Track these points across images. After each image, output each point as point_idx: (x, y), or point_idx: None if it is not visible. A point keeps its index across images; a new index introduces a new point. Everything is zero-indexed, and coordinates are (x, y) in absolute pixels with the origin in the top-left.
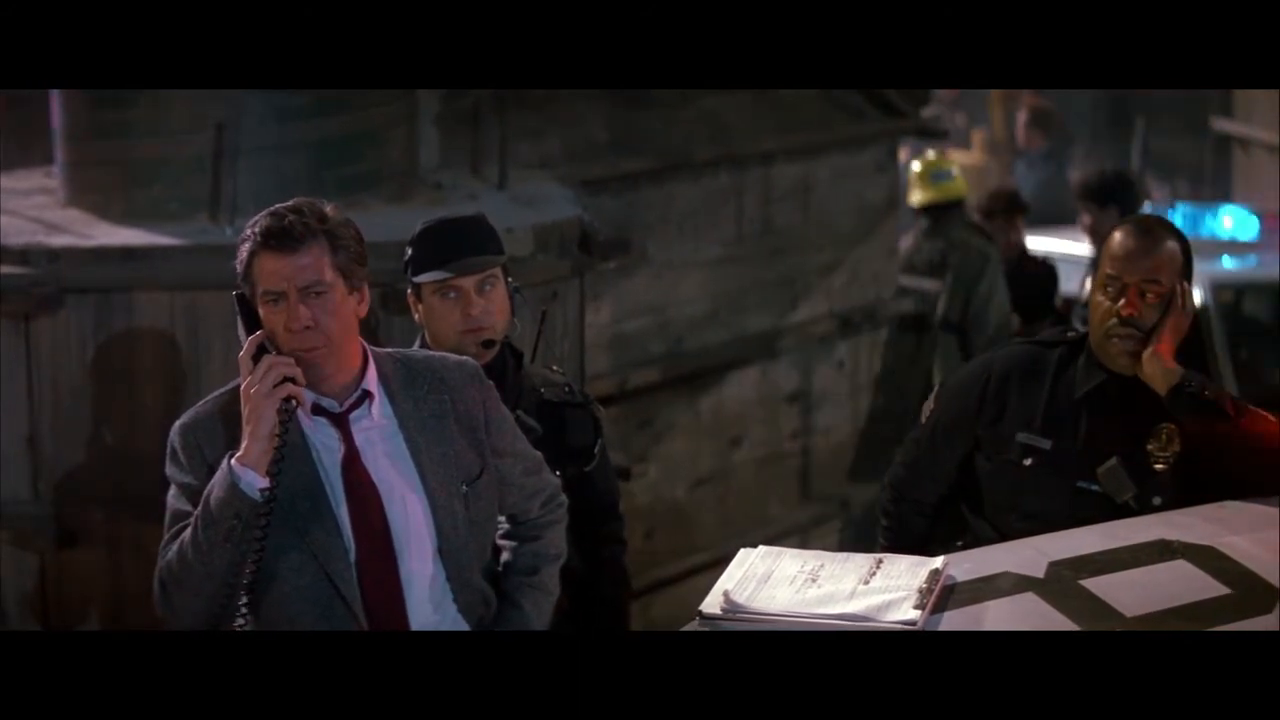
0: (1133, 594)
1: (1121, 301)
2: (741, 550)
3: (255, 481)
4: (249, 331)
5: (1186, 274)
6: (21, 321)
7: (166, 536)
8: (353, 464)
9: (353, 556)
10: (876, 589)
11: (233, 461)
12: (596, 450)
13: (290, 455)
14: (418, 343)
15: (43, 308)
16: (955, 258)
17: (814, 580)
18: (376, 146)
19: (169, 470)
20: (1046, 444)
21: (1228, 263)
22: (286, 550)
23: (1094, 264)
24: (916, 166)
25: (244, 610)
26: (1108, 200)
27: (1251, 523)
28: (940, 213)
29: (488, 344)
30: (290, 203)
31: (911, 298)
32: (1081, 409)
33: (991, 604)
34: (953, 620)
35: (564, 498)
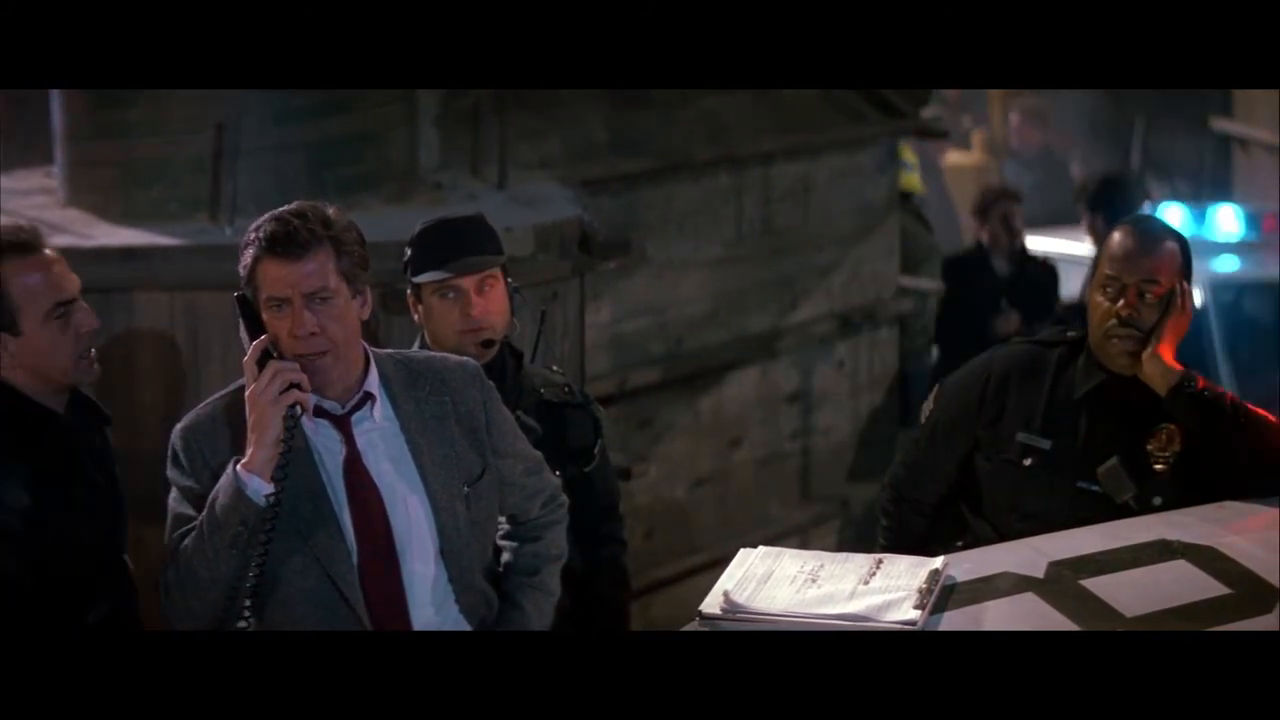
0: (1133, 594)
1: (1120, 302)
2: (741, 550)
3: (261, 488)
4: (251, 335)
5: (1186, 274)
6: None
7: (170, 540)
8: (355, 466)
9: (355, 559)
10: (876, 589)
11: (238, 468)
12: (596, 450)
13: (293, 458)
14: (417, 343)
15: None
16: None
17: (814, 580)
18: (376, 147)
19: (170, 473)
20: (1046, 444)
21: (1224, 263)
22: (289, 553)
23: (1094, 265)
24: None
25: (248, 614)
26: (1095, 206)
27: (1251, 523)
28: None
29: (487, 344)
30: (294, 206)
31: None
32: (1081, 409)
33: (991, 604)
34: (952, 620)
35: (564, 498)
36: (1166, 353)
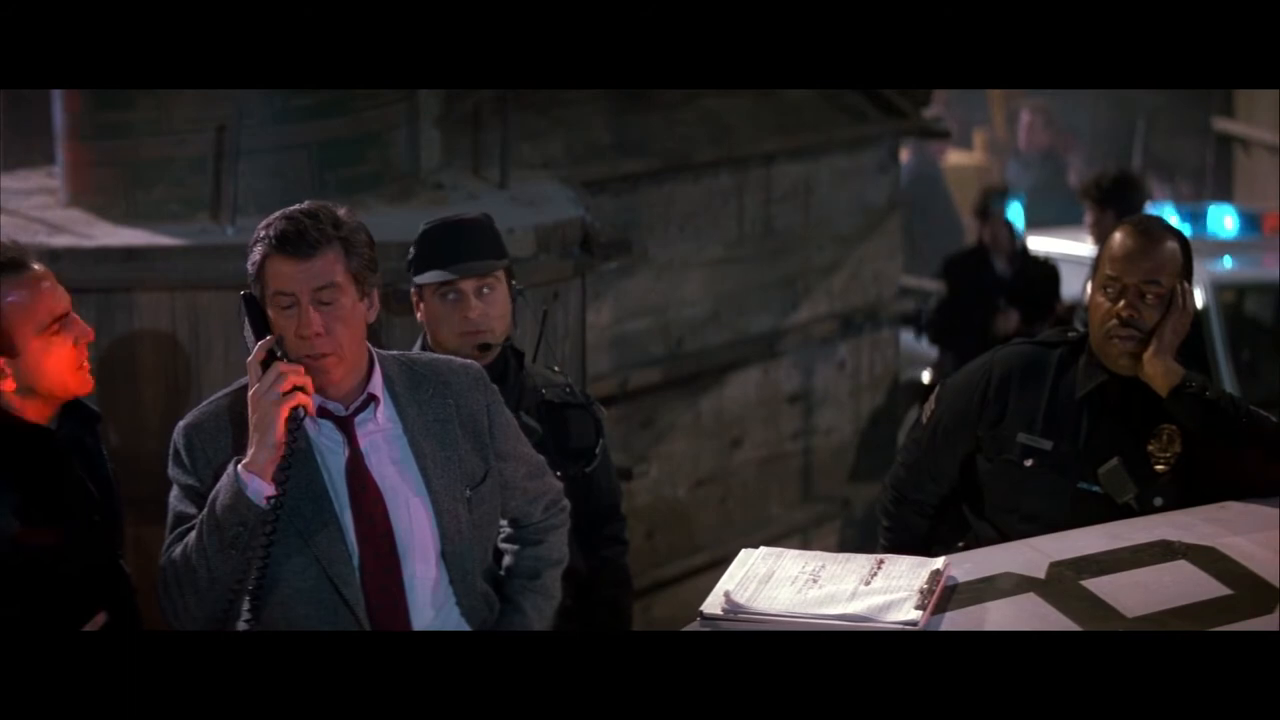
0: (1134, 595)
1: (1122, 302)
2: (743, 551)
3: (261, 489)
4: (257, 334)
5: (1187, 274)
6: None
7: (169, 538)
8: (357, 468)
9: (356, 560)
10: (878, 589)
11: (239, 468)
12: (598, 451)
13: (295, 459)
14: (419, 343)
15: None
16: None
17: (815, 581)
18: (378, 147)
19: (171, 471)
20: (1047, 445)
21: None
22: (290, 554)
23: (1096, 264)
24: None
25: (248, 615)
26: (1106, 202)
27: (1252, 523)
28: None
29: (484, 347)
30: (305, 205)
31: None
32: (1082, 410)
33: (993, 605)
34: (954, 621)
35: (566, 502)
36: (1167, 353)
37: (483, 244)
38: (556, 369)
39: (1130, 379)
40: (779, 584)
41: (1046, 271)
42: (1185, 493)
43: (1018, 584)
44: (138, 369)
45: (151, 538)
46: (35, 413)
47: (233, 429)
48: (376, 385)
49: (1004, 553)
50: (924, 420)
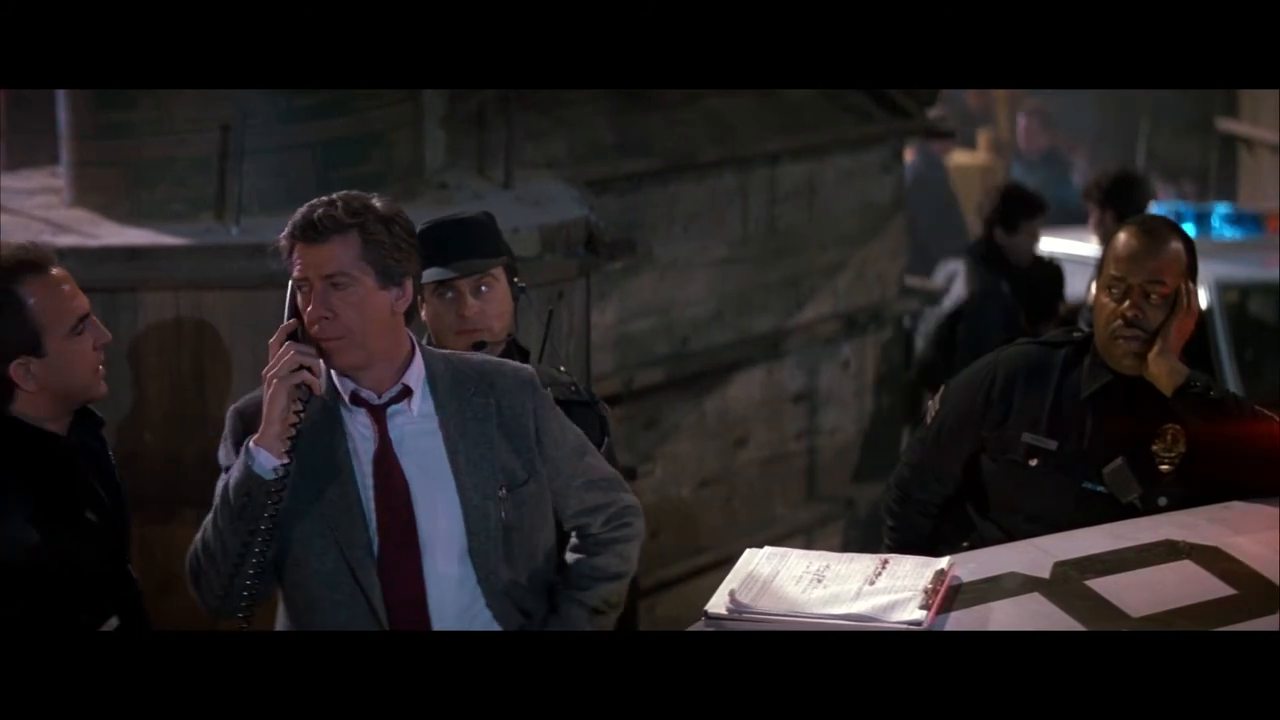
0: (1138, 594)
1: (1126, 302)
2: (747, 550)
3: (267, 461)
4: (288, 318)
5: (1191, 274)
6: None
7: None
8: (385, 457)
9: (375, 547)
10: (882, 589)
11: (249, 442)
12: (603, 450)
13: (325, 440)
14: (424, 342)
15: None
16: None
17: (819, 580)
18: (382, 147)
19: (219, 453)
20: (1052, 444)
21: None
22: (312, 534)
23: (1100, 264)
24: None
25: (246, 595)
26: (1107, 202)
27: (1257, 523)
28: None
29: (479, 346)
30: (333, 195)
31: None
32: (1087, 409)
33: (997, 604)
34: (958, 620)
35: (633, 519)
36: (1172, 353)
37: (479, 242)
38: (561, 368)
39: (1135, 379)
40: (783, 584)
41: (1051, 272)
42: (1190, 493)
43: (1022, 584)
44: (142, 369)
45: (156, 538)
46: (51, 417)
47: None
48: (413, 377)
49: (1008, 552)
50: (928, 420)
